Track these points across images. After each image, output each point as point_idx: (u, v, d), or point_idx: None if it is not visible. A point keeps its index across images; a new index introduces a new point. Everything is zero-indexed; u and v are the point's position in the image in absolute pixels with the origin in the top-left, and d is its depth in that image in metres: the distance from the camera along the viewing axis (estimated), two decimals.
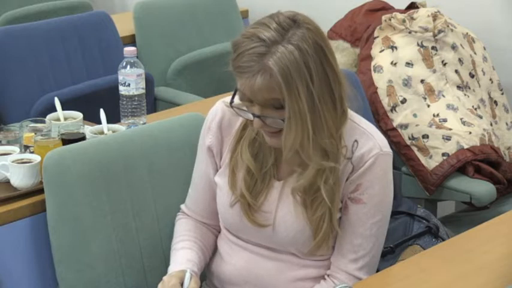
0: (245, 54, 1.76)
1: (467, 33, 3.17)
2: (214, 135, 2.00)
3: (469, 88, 3.07)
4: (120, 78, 2.54)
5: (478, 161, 2.89)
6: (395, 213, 2.21)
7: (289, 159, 1.87)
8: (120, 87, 2.54)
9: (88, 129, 2.37)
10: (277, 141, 1.84)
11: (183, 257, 2.00)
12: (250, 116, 1.82)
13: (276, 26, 1.77)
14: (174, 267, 1.98)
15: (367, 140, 1.90)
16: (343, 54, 3.16)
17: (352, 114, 1.92)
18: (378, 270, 1.98)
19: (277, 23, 1.77)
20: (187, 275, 1.91)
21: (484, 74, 3.13)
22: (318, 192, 1.88)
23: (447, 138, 2.90)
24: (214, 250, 2.10)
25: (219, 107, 2.01)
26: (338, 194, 1.89)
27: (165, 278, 1.93)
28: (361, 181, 1.89)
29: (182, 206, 2.14)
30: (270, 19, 1.79)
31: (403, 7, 3.29)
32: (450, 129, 2.91)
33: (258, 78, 1.75)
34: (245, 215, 1.95)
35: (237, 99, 1.85)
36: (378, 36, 3.09)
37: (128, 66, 2.53)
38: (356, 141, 1.89)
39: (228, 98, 1.91)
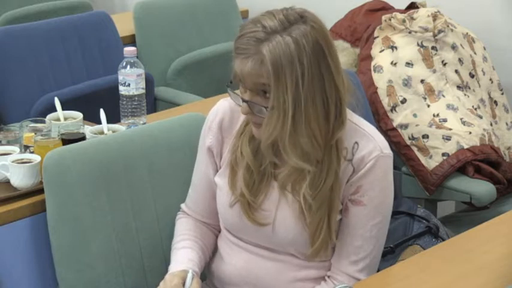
0: (245, 36, 1.79)
1: (467, 33, 3.17)
2: (215, 136, 2.00)
3: (469, 88, 3.07)
4: (120, 78, 2.54)
5: (478, 161, 2.89)
6: (395, 213, 2.21)
7: (275, 155, 1.88)
8: (120, 87, 2.54)
9: (88, 129, 2.37)
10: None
11: (184, 257, 2.00)
12: (240, 101, 1.83)
13: (281, 17, 1.79)
14: (175, 266, 1.98)
15: (367, 141, 1.89)
16: (343, 54, 3.16)
17: (352, 115, 1.91)
18: (378, 270, 1.97)
19: (284, 15, 1.79)
20: (190, 275, 1.91)
21: (484, 74, 3.13)
22: (315, 196, 1.88)
23: (447, 138, 2.90)
24: (214, 250, 2.10)
25: (220, 107, 2.02)
26: (338, 196, 1.89)
27: (167, 276, 1.93)
28: (362, 183, 1.89)
29: (182, 205, 2.14)
30: (280, 11, 1.82)
31: (403, 7, 3.29)
32: (450, 129, 2.91)
33: (250, 62, 1.77)
34: (245, 214, 1.95)
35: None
36: (378, 36, 3.09)
37: (128, 66, 2.53)
38: (356, 143, 1.89)
39: (230, 98, 1.92)
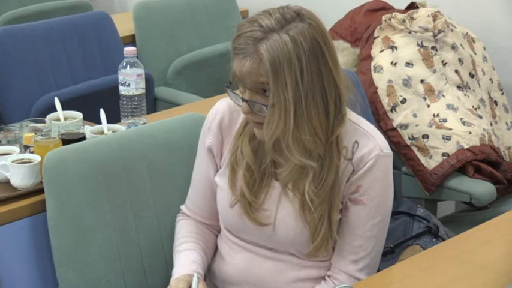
0: (242, 36, 1.79)
1: (467, 33, 3.17)
2: (215, 136, 2.00)
3: (469, 88, 3.07)
4: (120, 78, 2.54)
5: (478, 161, 2.89)
6: (395, 213, 2.20)
7: (277, 153, 1.88)
8: (120, 87, 2.54)
9: (88, 129, 2.37)
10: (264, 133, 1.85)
11: (188, 259, 2.00)
12: (240, 100, 1.83)
13: (278, 16, 1.80)
14: (179, 269, 1.98)
15: (367, 141, 1.90)
16: (343, 54, 3.16)
17: (352, 115, 1.92)
18: (378, 270, 1.97)
19: (280, 14, 1.80)
20: (195, 279, 1.90)
21: (484, 74, 3.13)
22: (317, 193, 1.88)
23: (447, 138, 2.90)
24: (215, 250, 2.10)
25: (219, 108, 2.02)
26: (338, 194, 1.89)
27: (172, 282, 1.93)
28: (362, 182, 1.89)
29: (182, 207, 2.14)
30: (276, 9, 1.82)
31: (403, 7, 3.29)
32: (450, 129, 2.91)
33: (248, 61, 1.78)
34: (246, 214, 1.95)
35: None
36: (378, 36, 3.09)
37: (128, 66, 2.53)
38: (356, 142, 1.89)
39: (229, 99, 1.92)
